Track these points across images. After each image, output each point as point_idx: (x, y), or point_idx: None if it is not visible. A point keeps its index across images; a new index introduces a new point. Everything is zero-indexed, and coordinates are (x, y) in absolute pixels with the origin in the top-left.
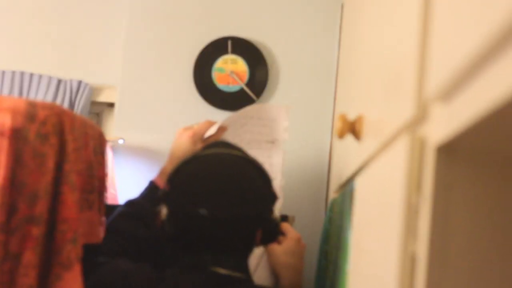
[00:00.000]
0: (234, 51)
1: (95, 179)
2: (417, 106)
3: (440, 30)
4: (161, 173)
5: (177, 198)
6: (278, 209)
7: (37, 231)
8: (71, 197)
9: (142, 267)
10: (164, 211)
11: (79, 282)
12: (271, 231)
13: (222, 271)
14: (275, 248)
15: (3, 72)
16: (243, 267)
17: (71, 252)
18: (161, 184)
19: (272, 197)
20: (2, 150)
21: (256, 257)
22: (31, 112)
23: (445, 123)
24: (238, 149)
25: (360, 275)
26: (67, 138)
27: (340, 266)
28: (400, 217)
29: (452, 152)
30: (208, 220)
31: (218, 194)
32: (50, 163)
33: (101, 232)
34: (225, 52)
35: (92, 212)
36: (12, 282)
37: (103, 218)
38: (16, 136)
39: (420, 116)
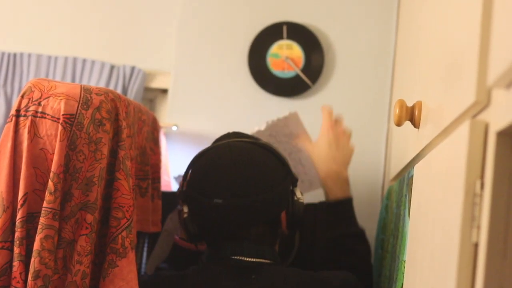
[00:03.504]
0: (289, 37)
1: (148, 166)
2: (480, 92)
3: (503, 15)
4: None
5: (193, 193)
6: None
7: (91, 218)
8: (126, 184)
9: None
10: (185, 209)
11: (133, 270)
12: (295, 214)
13: (244, 258)
14: (307, 145)
15: (56, 58)
16: (269, 253)
17: (126, 239)
18: None
19: (290, 179)
20: (56, 136)
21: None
22: (86, 97)
23: (508, 109)
24: (250, 137)
25: (417, 264)
26: (121, 124)
27: (397, 255)
28: (462, 204)
29: None
30: (224, 209)
31: (231, 182)
32: (105, 150)
33: (154, 221)
34: (280, 37)
35: (145, 199)
36: (66, 268)
37: (158, 206)
38: (71, 122)
39: (483, 102)
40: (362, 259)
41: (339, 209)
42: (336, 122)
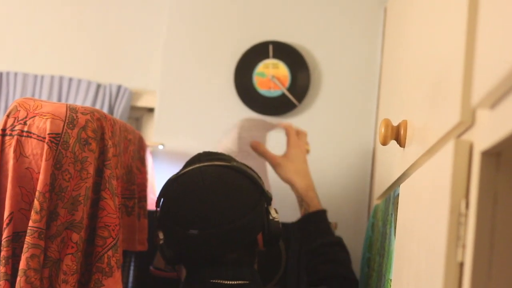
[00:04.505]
0: (275, 56)
1: (135, 185)
2: (464, 112)
3: (487, 35)
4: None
5: (167, 221)
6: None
7: (77, 237)
8: (112, 203)
9: None
10: (160, 235)
11: None
12: (272, 233)
13: (222, 282)
14: (279, 159)
15: (42, 77)
16: (247, 274)
17: (112, 258)
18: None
19: (264, 198)
20: (42, 155)
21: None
22: (72, 117)
23: (492, 129)
24: (221, 158)
25: (403, 283)
26: (107, 143)
27: (383, 273)
28: (447, 223)
29: (498, 158)
30: (200, 239)
31: (205, 212)
32: (91, 169)
33: (140, 239)
34: (266, 56)
35: (131, 218)
36: None
37: (144, 225)
38: (56, 141)
39: (467, 122)
40: (346, 267)
41: (320, 218)
42: (299, 134)
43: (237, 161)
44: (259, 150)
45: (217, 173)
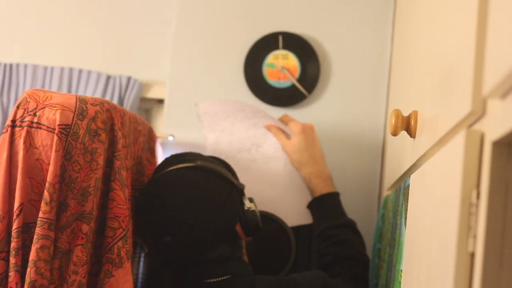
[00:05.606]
0: (285, 47)
1: (144, 176)
2: (475, 102)
3: (498, 25)
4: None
5: (143, 232)
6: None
7: (87, 228)
8: (121, 194)
9: None
10: (144, 246)
11: (129, 280)
12: (249, 223)
13: (211, 280)
14: (285, 147)
15: (52, 69)
16: (235, 266)
17: (122, 249)
18: None
19: (236, 191)
20: (52, 146)
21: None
22: (81, 108)
23: (503, 119)
24: (186, 159)
25: (414, 273)
26: (117, 134)
27: (394, 264)
28: (458, 214)
29: (509, 147)
30: (176, 245)
31: (175, 217)
32: (100, 160)
33: None
34: (276, 47)
35: None
36: (62, 279)
37: None
38: (66, 132)
39: (478, 112)
40: (355, 248)
41: (326, 203)
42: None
43: (203, 158)
44: (272, 132)
45: (183, 176)
